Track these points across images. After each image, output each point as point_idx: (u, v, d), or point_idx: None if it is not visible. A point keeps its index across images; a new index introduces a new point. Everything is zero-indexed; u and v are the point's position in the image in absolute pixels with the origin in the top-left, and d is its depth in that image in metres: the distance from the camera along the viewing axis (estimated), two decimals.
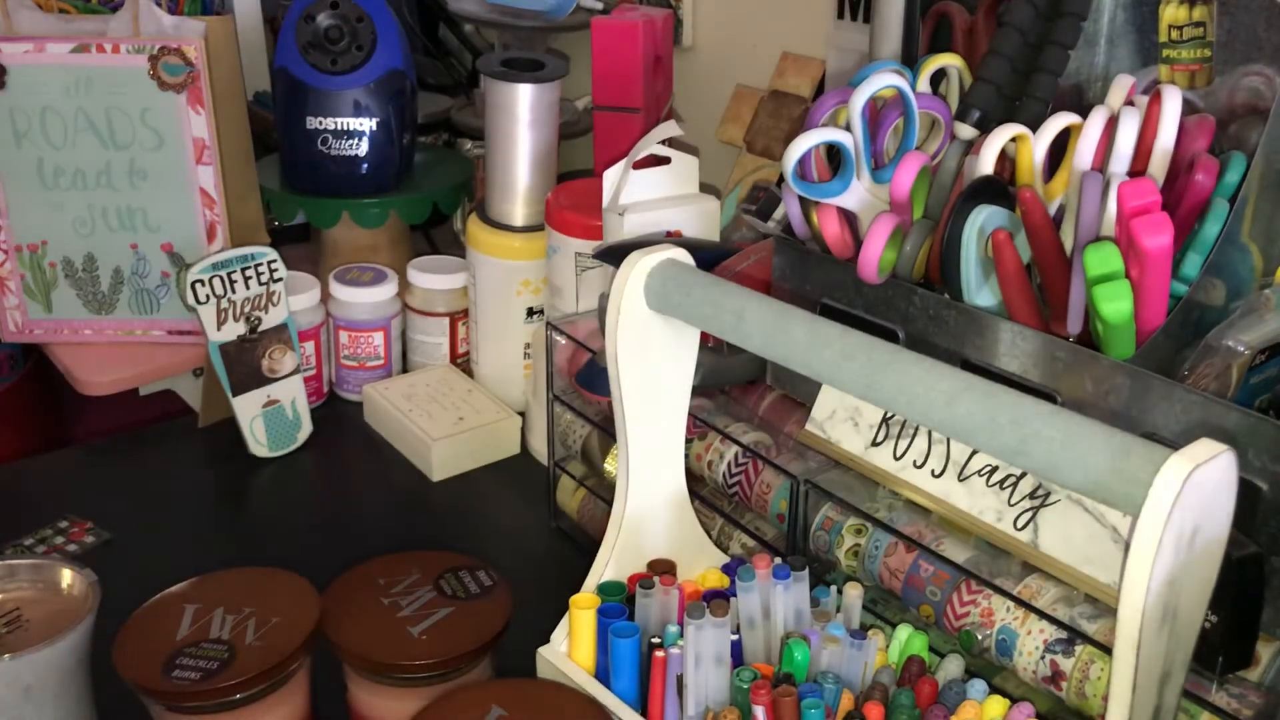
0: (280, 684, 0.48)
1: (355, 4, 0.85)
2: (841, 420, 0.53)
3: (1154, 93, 0.49)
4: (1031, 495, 0.46)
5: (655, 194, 0.72)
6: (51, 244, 0.83)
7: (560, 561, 0.69)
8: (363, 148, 0.88)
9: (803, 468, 0.55)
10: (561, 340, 0.67)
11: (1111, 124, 0.49)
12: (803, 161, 0.55)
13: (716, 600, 0.46)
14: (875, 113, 0.55)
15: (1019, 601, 0.47)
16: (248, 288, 0.76)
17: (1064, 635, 0.45)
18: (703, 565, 0.54)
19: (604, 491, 0.67)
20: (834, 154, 0.56)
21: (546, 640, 0.51)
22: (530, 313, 0.82)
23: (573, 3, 0.93)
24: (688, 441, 0.58)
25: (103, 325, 0.86)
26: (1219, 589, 0.39)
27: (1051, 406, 0.37)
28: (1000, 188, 0.50)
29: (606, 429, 0.65)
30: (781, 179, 0.55)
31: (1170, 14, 0.53)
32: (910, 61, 0.59)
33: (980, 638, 0.48)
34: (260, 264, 0.77)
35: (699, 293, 0.48)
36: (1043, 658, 0.46)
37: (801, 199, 0.56)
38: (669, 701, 0.46)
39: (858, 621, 0.49)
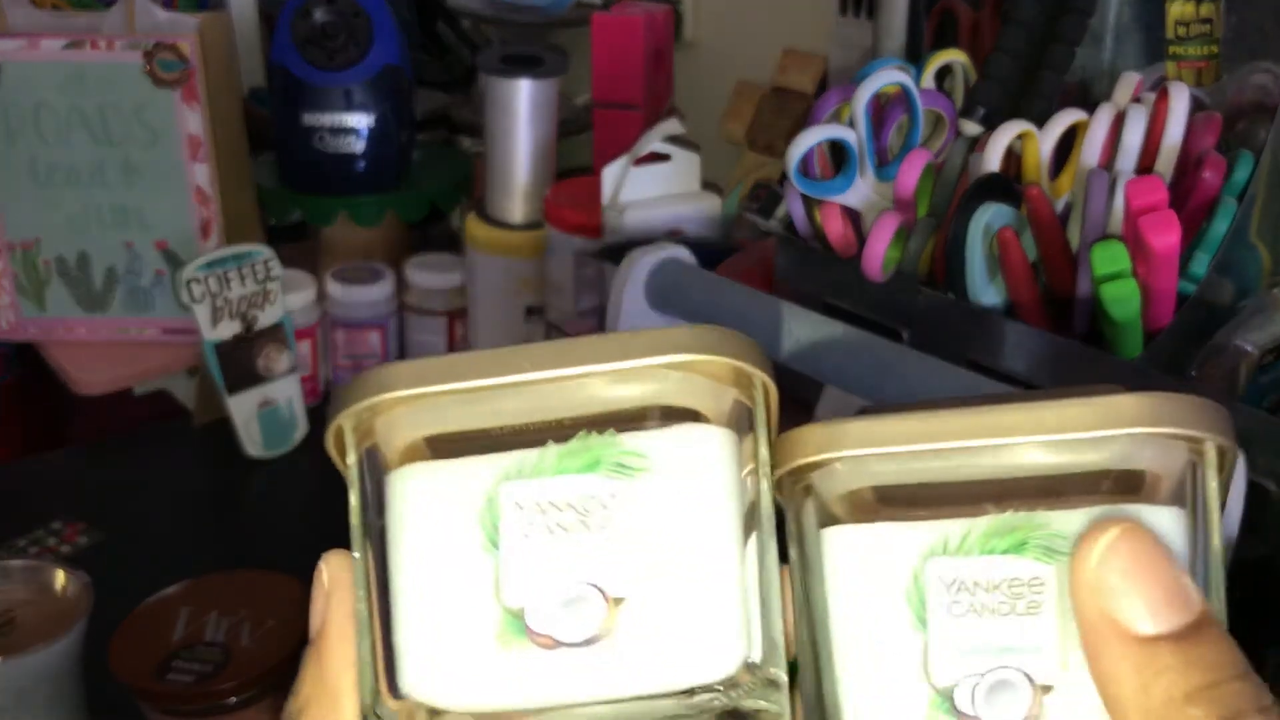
0: (276, 687, 0.47)
1: None
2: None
3: (1161, 90, 0.48)
4: None
5: (656, 191, 0.71)
6: (45, 242, 0.83)
7: None
8: (360, 145, 0.87)
9: None
10: None
11: (1118, 121, 0.48)
12: (805, 159, 0.54)
13: None
14: (879, 109, 0.55)
15: None
16: (243, 286, 0.76)
17: None
18: None
19: None
20: (837, 151, 0.56)
21: None
22: (529, 311, 0.81)
23: None
24: None
25: (96, 324, 0.85)
26: (1227, 592, 0.38)
27: None
28: (1006, 185, 0.50)
29: None
30: (784, 176, 0.55)
31: (1177, 10, 0.52)
32: (914, 57, 0.59)
33: None
34: (256, 262, 0.76)
35: (700, 291, 0.47)
36: None
37: (804, 197, 0.55)
38: None
39: None
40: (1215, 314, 0.46)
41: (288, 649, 0.47)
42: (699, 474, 0.19)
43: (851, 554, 0.19)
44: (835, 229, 0.54)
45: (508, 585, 0.18)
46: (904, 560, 0.19)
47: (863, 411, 0.20)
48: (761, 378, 0.20)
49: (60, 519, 0.71)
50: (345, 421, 0.20)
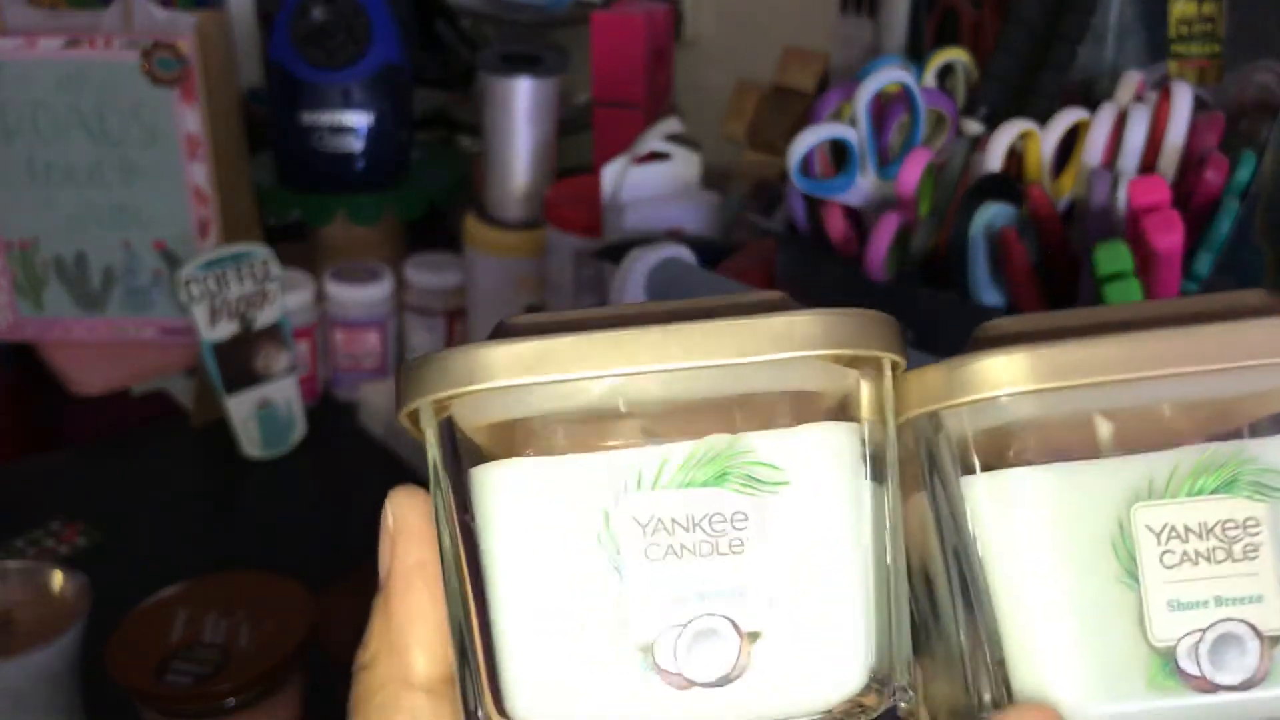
0: (275, 689, 0.47)
1: None
2: None
3: (1163, 89, 0.48)
4: None
5: (656, 190, 0.71)
6: (43, 241, 0.82)
7: None
8: (358, 144, 0.87)
9: None
10: None
11: (1120, 120, 0.48)
12: (807, 158, 0.54)
13: None
14: (880, 108, 0.55)
15: None
16: (241, 286, 0.75)
17: None
18: None
19: None
20: (839, 150, 0.55)
21: None
22: (528, 311, 0.81)
23: None
24: None
25: (94, 324, 0.85)
26: None
27: None
28: (1008, 185, 0.50)
29: None
30: (785, 175, 0.54)
31: (1179, 9, 0.52)
32: (916, 56, 0.59)
33: None
34: (254, 262, 0.76)
35: (701, 291, 0.47)
36: None
37: (806, 196, 0.55)
38: None
39: None
40: None
41: (286, 650, 0.46)
42: (833, 486, 0.17)
43: (1037, 501, 0.17)
44: (836, 228, 0.54)
45: (634, 618, 0.17)
46: (1105, 506, 0.17)
47: (984, 339, 0.18)
48: (892, 359, 0.18)
49: (58, 520, 0.71)
50: (423, 406, 0.18)
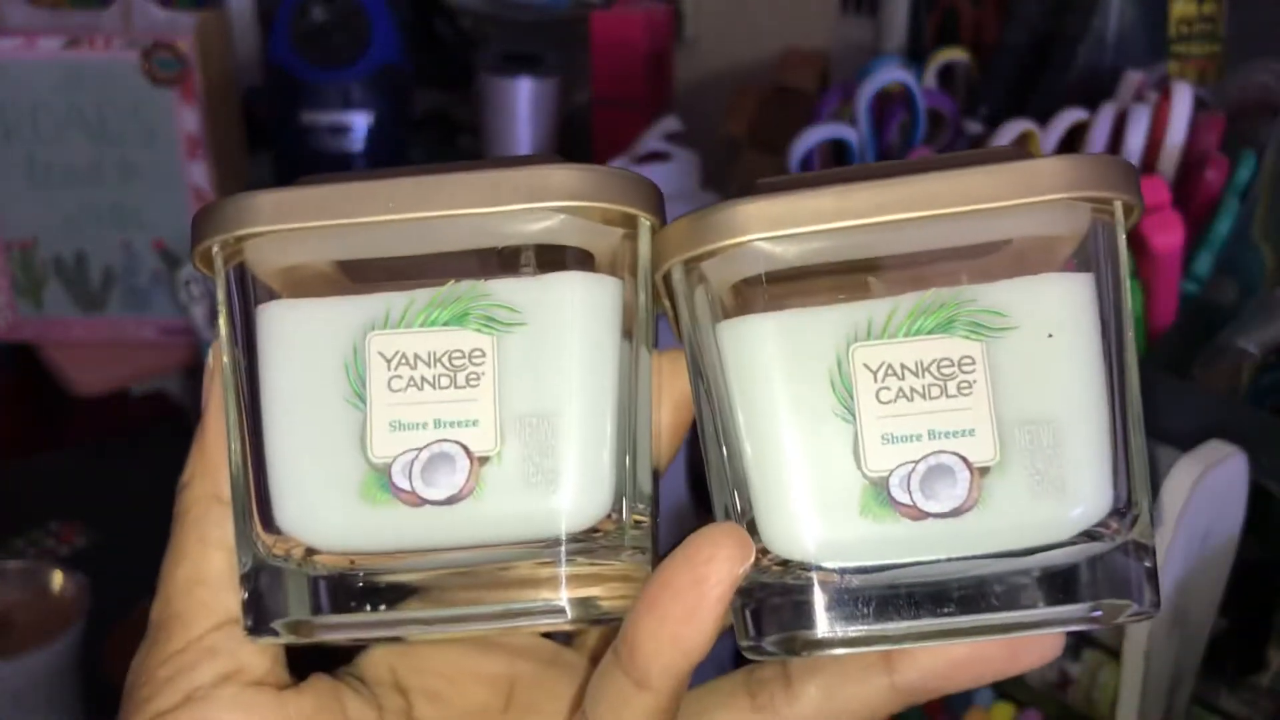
0: None
1: None
2: None
3: (1163, 89, 0.48)
4: None
5: None
6: (42, 241, 0.82)
7: None
8: (358, 144, 0.87)
9: None
10: None
11: (1120, 120, 0.48)
12: (807, 157, 0.54)
13: None
14: (881, 108, 0.55)
15: None
16: None
17: (1072, 640, 0.45)
18: None
19: None
20: (839, 150, 0.56)
21: None
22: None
23: None
24: None
25: (94, 324, 0.85)
26: (1229, 591, 0.38)
27: None
28: None
29: None
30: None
31: (1179, 9, 0.52)
32: (916, 55, 0.59)
33: None
34: None
35: None
36: (1050, 663, 0.45)
37: None
38: None
39: None
40: (1218, 314, 0.46)
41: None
42: (570, 330, 0.18)
43: (766, 343, 0.18)
44: None
45: (372, 440, 0.18)
46: (826, 346, 0.18)
47: (751, 191, 0.19)
48: (649, 221, 0.19)
49: (57, 520, 0.71)
50: (214, 246, 0.20)
